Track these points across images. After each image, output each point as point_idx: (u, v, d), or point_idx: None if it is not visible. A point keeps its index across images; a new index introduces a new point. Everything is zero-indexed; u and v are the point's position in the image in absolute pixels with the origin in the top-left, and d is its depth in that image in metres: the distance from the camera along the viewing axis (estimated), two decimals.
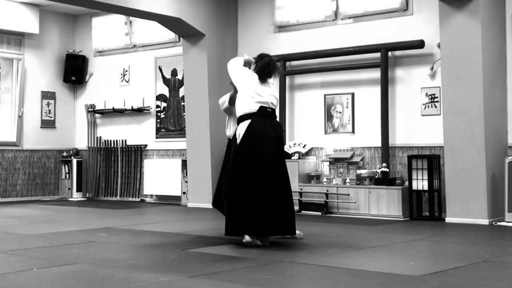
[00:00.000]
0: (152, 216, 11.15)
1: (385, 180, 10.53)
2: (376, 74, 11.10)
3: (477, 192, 9.54)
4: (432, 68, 10.61)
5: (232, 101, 7.93)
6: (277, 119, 7.54)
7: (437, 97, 10.55)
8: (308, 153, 11.76)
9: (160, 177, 13.62)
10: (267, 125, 7.22)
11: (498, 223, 9.39)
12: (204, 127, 12.38)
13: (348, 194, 10.71)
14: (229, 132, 8.07)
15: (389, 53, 10.99)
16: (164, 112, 13.94)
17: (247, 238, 7.06)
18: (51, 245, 7.31)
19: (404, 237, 8.16)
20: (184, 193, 13.10)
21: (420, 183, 10.19)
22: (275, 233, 7.16)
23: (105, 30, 14.90)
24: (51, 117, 15.02)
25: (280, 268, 5.86)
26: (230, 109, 8.06)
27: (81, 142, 15.30)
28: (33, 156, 14.68)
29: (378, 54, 11.01)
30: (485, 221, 9.45)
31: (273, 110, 7.36)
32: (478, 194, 9.52)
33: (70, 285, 5.08)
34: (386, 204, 10.40)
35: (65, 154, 15.01)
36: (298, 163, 11.34)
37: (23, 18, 14.14)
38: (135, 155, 14.35)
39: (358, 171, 10.85)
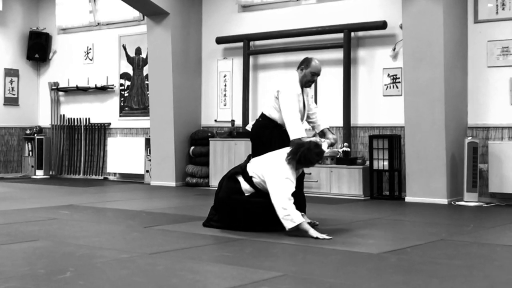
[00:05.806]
0: (115, 194, 11.14)
1: (346, 159, 10.63)
2: (339, 54, 11.16)
3: (436, 172, 9.67)
4: (394, 49, 10.70)
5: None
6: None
7: (398, 78, 10.65)
8: None
9: (123, 155, 13.61)
10: None
11: (457, 203, 9.55)
12: (168, 106, 12.37)
13: (310, 173, 10.76)
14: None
15: (352, 34, 11.06)
16: (128, 91, 13.90)
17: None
18: (13, 221, 7.30)
19: (364, 216, 8.26)
20: (147, 171, 13.11)
21: (381, 162, 10.31)
22: None
23: (69, 7, 14.78)
24: (14, 95, 14.90)
25: (240, 245, 5.92)
26: None
27: (45, 120, 15.20)
28: None
29: (341, 35, 11.05)
30: (444, 201, 9.59)
31: None
32: (438, 174, 9.66)
33: (31, 262, 5.10)
34: (347, 183, 10.51)
35: (28, 131, 14.93)
36: None
37: None
38: (98, 133, 14.31)
39: None
